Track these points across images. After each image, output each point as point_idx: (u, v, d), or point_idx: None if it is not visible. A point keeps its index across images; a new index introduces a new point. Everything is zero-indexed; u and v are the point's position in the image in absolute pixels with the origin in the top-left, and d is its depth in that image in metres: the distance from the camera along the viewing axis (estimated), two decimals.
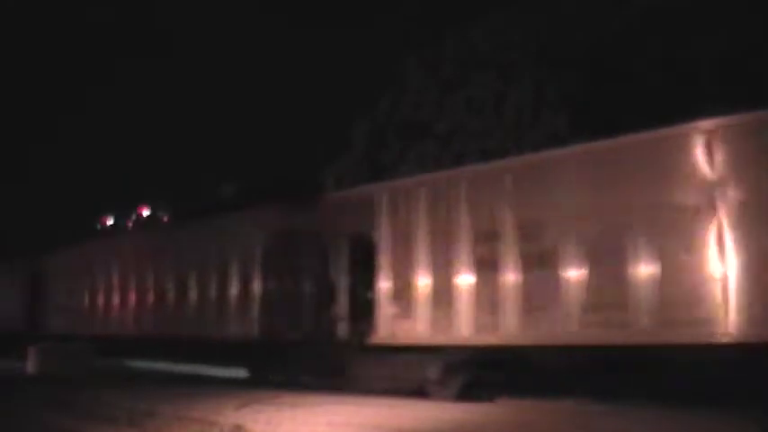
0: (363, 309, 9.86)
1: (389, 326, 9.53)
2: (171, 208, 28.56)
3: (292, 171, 22.20)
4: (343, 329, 10.11)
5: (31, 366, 13.82)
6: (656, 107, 10.43)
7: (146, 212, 29.48)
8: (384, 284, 9.68)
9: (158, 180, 29.98)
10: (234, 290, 12.16)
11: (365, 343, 9.68)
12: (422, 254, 9.27)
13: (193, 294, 13.16)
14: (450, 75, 15.65)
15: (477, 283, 8.62)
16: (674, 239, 7.20)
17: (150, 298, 14.49)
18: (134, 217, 29.56)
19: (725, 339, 6.74)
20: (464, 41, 15.82)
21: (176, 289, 13.70)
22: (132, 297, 15.12)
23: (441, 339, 8.93)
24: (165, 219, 28.01)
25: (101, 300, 16.27)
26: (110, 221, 30.29)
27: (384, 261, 9.71)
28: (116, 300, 15.70)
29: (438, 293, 9.01)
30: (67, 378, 12.08)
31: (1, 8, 32.27)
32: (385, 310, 9.59)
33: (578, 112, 13.08)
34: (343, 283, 10.30)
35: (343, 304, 10.22)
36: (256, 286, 11.72)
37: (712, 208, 7.00)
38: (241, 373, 12.37)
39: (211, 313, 12.60)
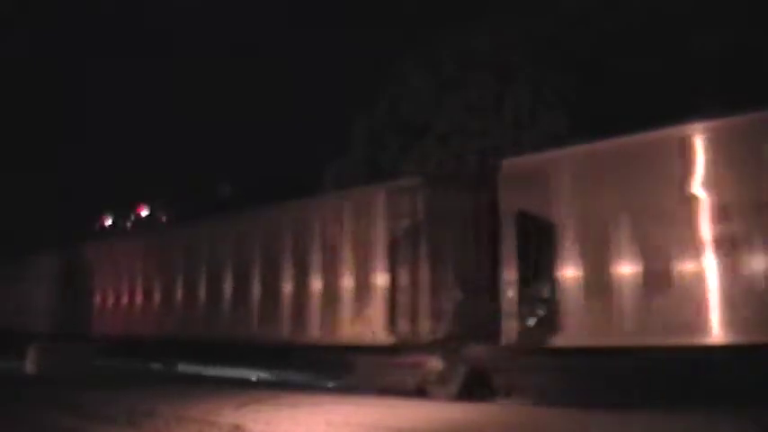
0: (538, 303, 8.42)
1: (579, 323, 7.95)
2: (171, 207, 28.58)
3: (292, 171, 22.25)
4: (510, 329, 8.50)
5: (30, 366, 13.82)
6: (655, 107, 10.44)
7: (144, 212, 29.51)
8: (569, 274, 8.11)
9: (156, 180, 29.94)
10: (348, 286, 10.37)
11: (544, 345, 8.19)
12: (623, 234, 7.66)
13: (288, 292, 11.26)
14: (449, 75, 15.66)
15: (716, 269, 7.03)
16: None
17: (227, 297, 12.56)
18: (133, 217, 29.58)
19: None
20: (464, 41, 15.84)
21: (263, 286, 11.75)
22: (202, 294, 13.13)
23: (658, 339, 7.29)
24: (164, 219, 28.05)
25: (158, 298, 14.38)
26: (108, 222, 30.32)
27: (567, 245, 8.16)
28: (179, 297, 13.79)
29: (652, 282, 7.40)
30: (67, 378, 12.07)
31: (1, 8, 32.29)
32: (571, 303, 8.04)
33: (578, 113, 13.10)
34: (506, 273, 8.64)
35: (508, 298, 8.60)
36: (379, 281, 9.95)
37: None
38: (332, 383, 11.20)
39: (315, 313, 10.79)
